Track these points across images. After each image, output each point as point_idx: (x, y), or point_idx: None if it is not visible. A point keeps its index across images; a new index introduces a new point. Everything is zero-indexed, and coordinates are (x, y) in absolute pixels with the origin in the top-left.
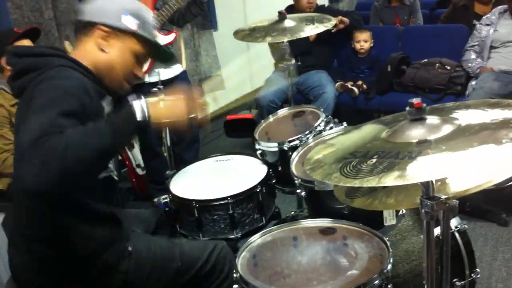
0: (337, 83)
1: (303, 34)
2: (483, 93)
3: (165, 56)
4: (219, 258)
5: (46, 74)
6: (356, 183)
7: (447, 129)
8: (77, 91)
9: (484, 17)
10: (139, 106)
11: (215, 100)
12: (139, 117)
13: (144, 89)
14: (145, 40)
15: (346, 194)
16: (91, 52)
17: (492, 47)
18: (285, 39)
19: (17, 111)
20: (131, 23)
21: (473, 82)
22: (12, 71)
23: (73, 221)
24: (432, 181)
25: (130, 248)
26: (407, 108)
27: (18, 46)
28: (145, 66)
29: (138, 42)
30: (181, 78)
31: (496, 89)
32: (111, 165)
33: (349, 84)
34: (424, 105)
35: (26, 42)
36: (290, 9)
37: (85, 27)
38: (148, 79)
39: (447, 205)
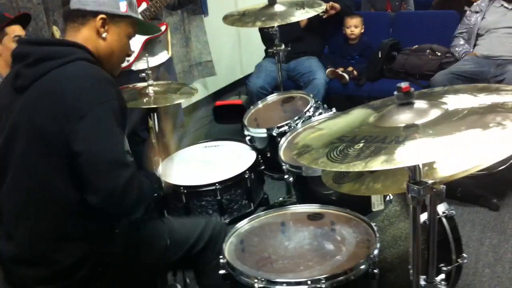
0: (328, 70)
1: (293, 19)
2: (449, 71)
3: (150, 30)
4: (213, 235)
5: (74, 70)
6: (342, 168)
7: (434, 113)
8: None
9: (474, 4)
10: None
11: (205, 86)
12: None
13: (132, 76)
14: (136, 21)
15: (333, 179)
16: (91, 40)
17: (478, 35)
18: (275, 24)
19: (31, 97)
20: (125, 7)
21: None
22: (26, 58)
23: (77, 215)
24: (419, 166)
25: (116, 230)
26: (395, 92)
27: (30, 35)
28: (133, 56)
29: (130, 24)
30: (167, 65)
31: (466, 69)
32: None
33: (339, 71)
34: (412, 89)
35: (17, 28)
36: None
37: (83, 16)
38: (135, 66)
39: (434, 190)
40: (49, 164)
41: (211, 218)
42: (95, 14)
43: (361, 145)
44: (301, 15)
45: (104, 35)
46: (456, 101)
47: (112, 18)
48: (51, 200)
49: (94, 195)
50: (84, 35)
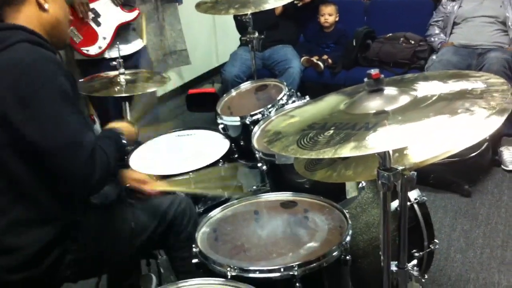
0: (303, 58)
1: (267, 6)
2: (441, 66)
3: None
4: (177, 213)
5: (12, 56)
6: (312, 155)
7: (404, 100)
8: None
9: None
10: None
11: (180, 75)
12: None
13: (104, 64)
14: None
15: (306, 167)
16: (34, 16)
17: (455, 23)
18: (249, 11)
19: None
20: None
21: (434, 56)
22: None
23: (39, 200)
24: (388, 152)
25: (78, 218)
26: (365, 79)
27: None
28: (106, 42)
29: None
30: (141, 53)
31: (454, 62)
32: None
33: (314, 59)
34: (382, 76)
35: None
36: None
37: None
38: (108, 54)
39: (405, 176)
40: (4, 151)
41: (176, 197)
42: None
43: (331, 132)
44: (275, 2)
45: (46, 6)
46: (426, 87)
47: None
48: (11, 185)
49: (59, 182)
50: (26, 13)
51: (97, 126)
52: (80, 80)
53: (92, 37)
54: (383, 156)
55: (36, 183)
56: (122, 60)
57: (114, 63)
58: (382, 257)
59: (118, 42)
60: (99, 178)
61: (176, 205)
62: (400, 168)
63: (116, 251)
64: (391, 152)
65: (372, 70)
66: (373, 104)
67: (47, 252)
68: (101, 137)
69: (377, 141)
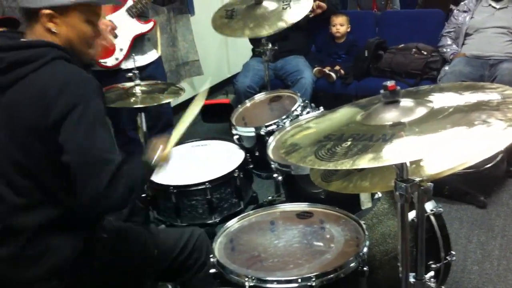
0: (315, 69)
1: (281, 25)
2: (454, 77)
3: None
4: (196, 246)
5: (52, 72)
6: (330, 166)
7: (420, 111)
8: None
9: (462, 3)
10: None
11: (192, 85)
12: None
13: (121, 75)
14: (89, 2)
15: (322, 177)
16: (45, 37)
17: (467, 34)
18: (263, 32)
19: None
20: None
21: (446, 67)
22: None
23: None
24: (405, 163)
25: (104, 235)
26: (381, 91)
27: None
28: (122, 54)
29: (84, 9)
30: (156, 64)
31: (466, 73)
32: None
33: (326, 70)
34: (398, 87)
35: None
36: None
37: (31, 14)
38: (124, 65)
39: (421, 187)
40: (41, 162)
41: (195, 228)
42: (38, 10)
43: (348, 143)
44: (290, 19)
45: (54, 30)
46: (442, 99)
47: (59, 10)
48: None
49: (79, 197)
50: (38, 33)
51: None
52: None
53: (110, 49)
54: (400, 168)
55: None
56: (138, 71)
57: (130, 74)
58: (400, 269)
59: (133, 54)
60: (116, 201)
61: (196, 237)
62: (417, 179)
63: (135, 276)
64: (408, 164)
65: (388, 82)
66: (389, 116)
67: (75, 266)
68: (130, 162)
69: (395, 153)
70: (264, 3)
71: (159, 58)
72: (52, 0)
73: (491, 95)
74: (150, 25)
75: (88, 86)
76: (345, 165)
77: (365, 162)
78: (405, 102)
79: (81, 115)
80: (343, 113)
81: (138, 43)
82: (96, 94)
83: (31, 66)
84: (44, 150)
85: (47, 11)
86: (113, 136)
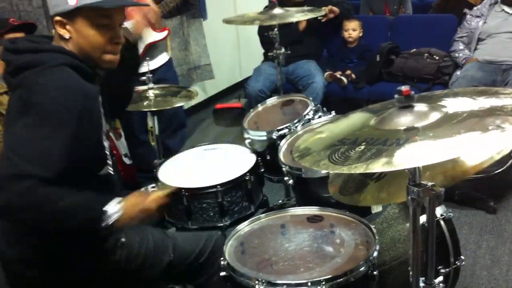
0: (326, 73)
1: (291, 19)
2: (466, 82)
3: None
4: (213, 250)
5: (46, 77)
6: (344, 170)
7: (434, 116)
8: (74, 105)
9: (474, 8)
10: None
11: (204, 89)
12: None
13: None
14: (95, 6)
15: (340, 191)
16: (61, 44)
17: (479, 39)
18: (274, 23)
19: (9, 104)
20: (73, 1)
21: (458, 72)
22: (8, 67)
23: None
24: (418, 168)
25: (123, 239)
26: (396, 96)
27: (13, 40)
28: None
29: (91, 13)
30: (167, 66)
31: (478, 78)
32: (109, 161)
33: (338, 74)
34: (412, 92)
35: (19, 36)
36: (281, 3)
37: (51, 21)
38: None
39: (433, 192)
40: None
41: (212, 232)
42: (52, 18)
43: (362, 147)
44: (300, 17)
45: (66, 36)
46: (456, 104)
47: (67, 16)
48: None
49: None
50: (56, 39)
51: (123, 139)
52: None
53: None
54: (413, 172)
55: None
56: (151, 75)
57: (143, 78)
58: (411, 273)
59: (147, 58)
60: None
61: (214, 241)
62: (430, 184)
63: (148, 277)
64: (421, 168)
65: (403, 87)
66: (404, 120)
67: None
68: (80, 196)
69: (408, 157)
70: (276, 10)
71: (170, 60)
72: (57, 7)
73: (505, 100)
74: (164, 33)
75: (72, 97)
76: (359, 169)
77: (379, 166)
78: (420, 107)
79: (39, 117)
80: (357, 118)
81: (150, 49)
82: (68, 105)
83: (35, 70)
84: None
85: (58, 18)
86: (63, 147)
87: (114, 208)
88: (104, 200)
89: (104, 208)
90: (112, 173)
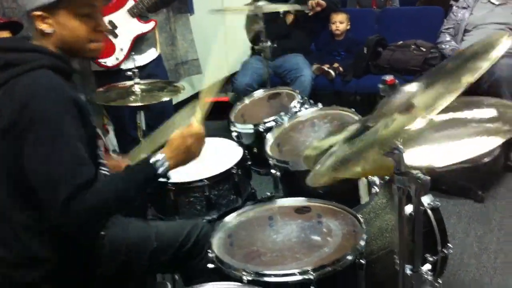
0: (314, 66)
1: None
2: None
3: None
4: (199, 238)
5: (33, 79)
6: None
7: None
8: (69, 107)
9: None
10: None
11: (192, 84)
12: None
13: (121, 75)
14: None
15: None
16: (40, 40)
17: (466, 30)
18: (260, 12)
19: None
20: None
21: None
22: None
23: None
24: (402, 156)
25: (103, 232)
26: (380, 85)
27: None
28: (123, 54)
29: (68, 4)
30: (156, 62)
31: None
32: (102, 161)
33: (325, 67)
34: (397, 81)
35: (5, 34)
36: None
37: (29, 17)
38: (125, 65)
39: (419, 180)
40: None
41: (197, 220)
42: (30, 13)
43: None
44: (287, 7)
45: (47, 31)
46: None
47: (48, 10)
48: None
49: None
50: (35, 35)
51: (111, 136)
52: (97, 90)
53: (110, 49)
54: (397, 160)
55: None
56: (137, 70)
57: (130, 73)
58: (398, 260)
59: (133, 53)
60: (81, 215)
61: (199, 229)
62: (415, 172)
63: (135, 268)
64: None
65: (387, 76)
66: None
67: (68, 267)
68: (115, 177)
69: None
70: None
71: (159, 56)
72: (36, 1)
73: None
74: (151, 25)
75: (58, 101)
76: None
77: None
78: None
79: (39, 135)
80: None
81: (138, 43)
82: (65, 109)
83: (13, 70)
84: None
85: (37, 13)
86: (81, 150)
87: (159, 156)
88: (146, 157)
89: (151, 161)
90: (107, 173)
